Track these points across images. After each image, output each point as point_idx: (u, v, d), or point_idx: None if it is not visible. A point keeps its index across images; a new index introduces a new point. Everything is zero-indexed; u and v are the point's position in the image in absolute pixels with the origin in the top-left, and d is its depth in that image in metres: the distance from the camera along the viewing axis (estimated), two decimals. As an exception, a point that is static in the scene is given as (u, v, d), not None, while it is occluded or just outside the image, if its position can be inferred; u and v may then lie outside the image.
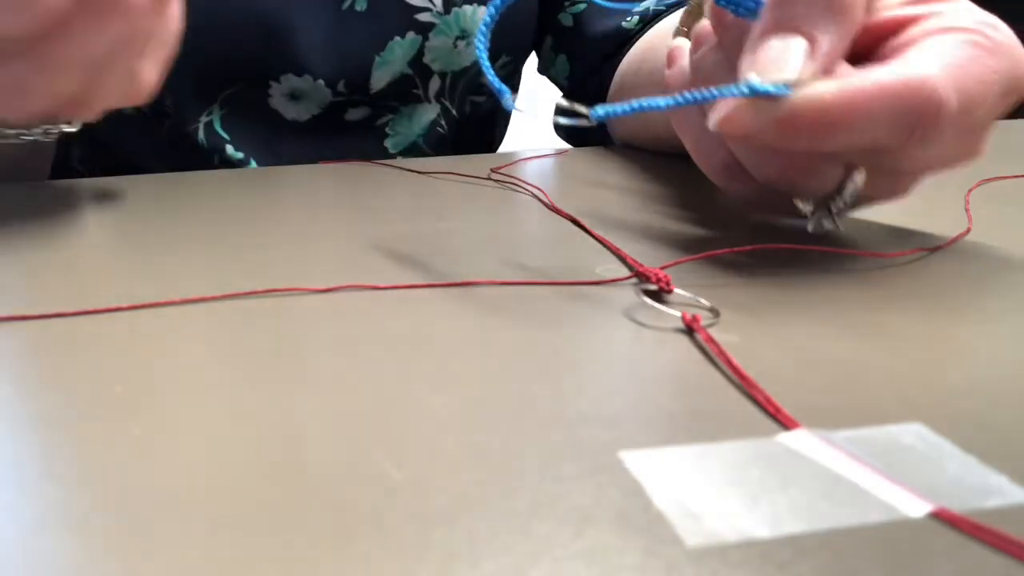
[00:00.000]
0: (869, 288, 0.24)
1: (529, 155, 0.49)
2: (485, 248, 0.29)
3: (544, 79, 0.64)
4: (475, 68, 0.54)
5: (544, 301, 0.23)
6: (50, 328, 0.21)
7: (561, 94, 0.62)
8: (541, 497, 0.13)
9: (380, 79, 0.51)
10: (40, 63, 0.27)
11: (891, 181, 0.27)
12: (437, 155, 0.56)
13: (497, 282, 0.25)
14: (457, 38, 0.52)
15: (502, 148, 0.64)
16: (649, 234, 0.31)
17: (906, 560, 0.12)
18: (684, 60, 0.31)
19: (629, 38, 0.54)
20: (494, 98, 0.60)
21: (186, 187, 0.40)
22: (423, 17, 0.51)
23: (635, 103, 0.23)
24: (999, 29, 0.25)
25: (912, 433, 0.15)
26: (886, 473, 0.14)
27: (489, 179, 0.42)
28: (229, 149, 0.50)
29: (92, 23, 0.26)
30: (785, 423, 0.16)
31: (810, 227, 0.28)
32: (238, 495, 0.14)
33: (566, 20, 0.58)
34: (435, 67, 0.53)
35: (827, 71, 0.24)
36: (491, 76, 0.26)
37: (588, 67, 0.57)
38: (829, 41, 0.24)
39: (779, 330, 0.21)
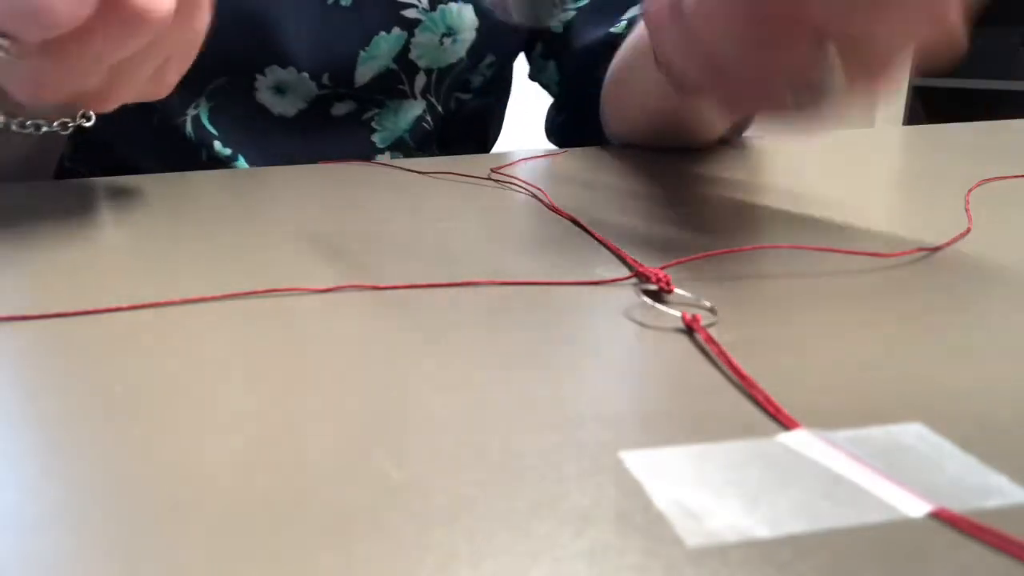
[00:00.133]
0: (869, 288, 0.24)
1: (529, 155, 0.49)
2: (485, 248, 0.29)
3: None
4: (461, 65, 0.54)
5: (544, 301, 0.23)
6: (50, 328, 0.21)
7: (552, 100, 0.62)
8: (541, 497, 0.13)
9: (365, 73, 0.52)
10: (62, 62, 0.27)
11: (862, 58, 0.27)
12: (422, 150, 0.56)
13: (497, 282, 0.25)
14: (443, 35, 0.52)
15: (499, 148, 0.64)
16: (649, 234, 0.31)
17: (906, 560, 0.12)
18: None
19: (619, 43, 0.54)
20: (480, 96, 0.60)
21: (186, 187, 0.40)
22: (409, 13, 0.51)
23: None
24: None
25: (912, 433, 0.15)
26: (886, 473, 0.14)
27: (489, 179, 0.42)
28: (217, 145, 0.50)
29: (115, 31, 0.26)
30: (785, 423, 0.16)
31: (791, 106, 0.28)
32: (238, 495, 0.14)
33: (556, 27, 0.58)
34: (421, 63, 0.53)
35: None
36: None
37: (578, 73, 0.57)
38: None
39: (779, 330, 0.21)
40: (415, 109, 0.55)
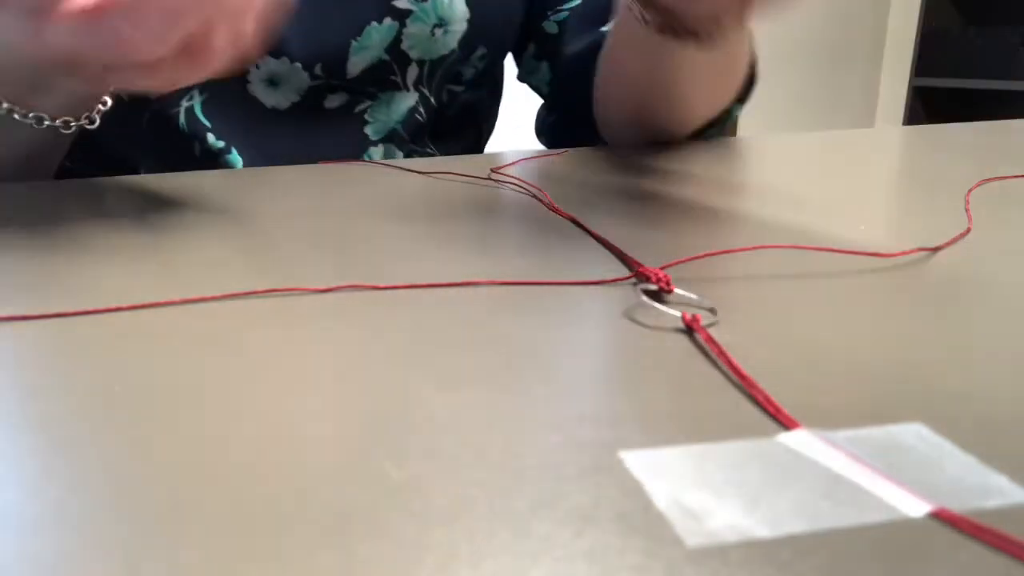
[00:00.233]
0: (869, 288, 0.24)
1: (529, 155, 0.49)
2: (485, 248, 0.29)
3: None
4: (453, 56, 0.54)
5: (544, 301, 0.23)
6: (50, 328, 0.21)
7: (543, 102, 0.62)
8: (541, 497, 0.13)
9: (357, 64, 0.52)
10: (123, 73, 0.30)
11: None
12: (415, 143, 0.56)
13: (497, 282, 0.25)
14: (435, 26, 0.53)
15: (496, 148, 0.65)
16: (649, 234, 0.31)
17: (906, 560, 0.12)
18: None
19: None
20: (473, 89, 0.61)
21: (186, 187, 0.40)
22: (400, 3, 0.52)
23: None
24: None
25: (912, 433, 0.15)
26: (886, 473, 0.14)
27: (489, 179, 0.42)
28: (210, 137, 0.50)
29: (184, 63, 0.30)
30: (785, 423, 0.16)
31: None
32: (238, 495, 0.14)
33: (551, 28, 0.59)
34: (413, 54, 0.53)
35: None
36: None
37: (570, 75, 0.57)
38: None
39: (779, 330, 0.21)
40: (408, 101, 0.55)
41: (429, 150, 0.58)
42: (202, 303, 0.23)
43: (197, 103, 0.50)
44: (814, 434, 0.15)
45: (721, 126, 0.56)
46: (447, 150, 0.59)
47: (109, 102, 0.41)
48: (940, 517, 0.13)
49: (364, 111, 0.54)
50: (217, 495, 0.14)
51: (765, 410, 0.16)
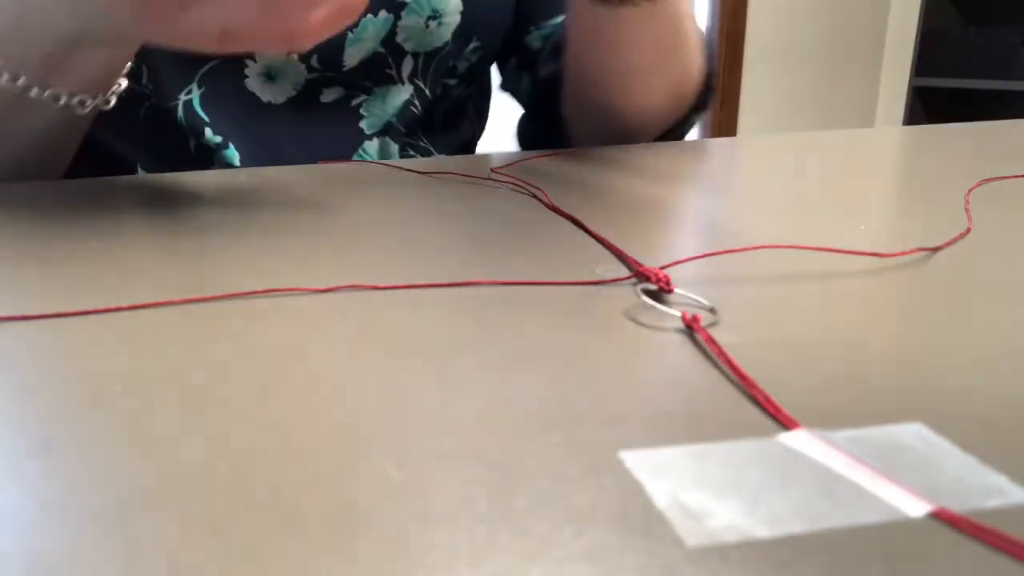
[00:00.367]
0: (869, 288, 0.24)
1: (529, 155, 0.49)
2: (485, 248, 0.29)
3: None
4: (446, 49, 0.55)
5: (544, 301, 0.23)
6: (50, 328, 0.21)
7: (523, 110, 0.64)
8: (541, 497, 0.13)
9: (353, 56, 0.52)
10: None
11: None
12: (410, 136, 0.56)
13: (497, 282, 0.25)
14: (429, 18, 0.53)
15: (493, 147, 0.65)
16: (649, 234, 0.31)
17: (906, 560, 0.12)
18: None
19: None
20: (466, 83, 0.62)
21: (186, 187, 0.40)
22: None
23: None
24: None
25: (912, 433, 0.15)
26: (886, 473, 0.14)
27: (489, 179, 0.42)
28: (208, 132, 0.51)
29: None
30: (785, 423, 0.16)
31: None
32: (238, 495, 0.14)
33: (534, 42, 0.60)
34: (408, 47, 0.54)
35: None
36: None
37: (548, 90, 0.59)
38: None
39: (779, 330, 0.21)
40: (403, 94, 0.55)
41: (423, 143, 0.58)
42: (202, 303, 0.23)
43: (195, 96, 0.51)
44: (814, 434, 0.15)
45: (681, 131, 0.59)
46: (441, 144, 0.60)
47: (123, 84, 0.41)
48: (940, 517, 0.13)
49: (359, 105, 0.55)
50: (217, 495, 0.14)
51: (765, 410, 0.16)
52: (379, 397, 0.17)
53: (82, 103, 0.39)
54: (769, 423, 0.16)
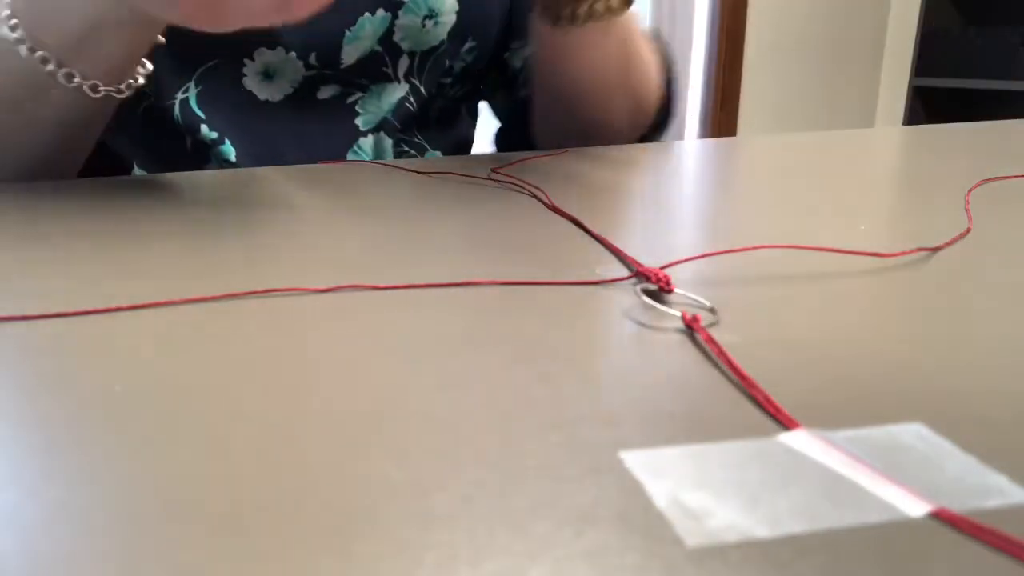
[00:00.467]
0: (869, 288, 0.24)
1: (529, 155, 0.49)
2: (485, 248, 0.29)
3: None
4: (442, 48, 0.56)
5: (544, 301, 0.23)
6: (50, 328, 0.21)
7: (499, 123, 0.66)
8: (541, 497, 0.13)
9: (350, 54, 0.53)
10: None
11: None
12: (405, 132, 0.57)
13: (497, 282, 0.25)
14: (425, 17, 0.54)
15: (487, 147, 0.67)
16: (649, 234, 0.31)
17: (906, 560, 0.12)
18: None
19: None
20: (461, 83, 0.63)
21: (186, 187, 0.40)
22: None
23: None
24: None
25: (912, 433, 0.15)
26: (886, 473, 0.14)
27: (489, 179, 0.42)
28: (204, 128, 0.51)
29: None
30: (785, 423, 0.16)
31: None
32: (238, 495, 0.14)
33: (515, 61, 0.62)
34: (404, 46, 0.54)
35: None
36: None
37: (525, 106, 0.61)
38: None
39: (779, 330, 0.21)
40: (398, 92, 0.56)
41: (417, 139, 0.58)
42: (202, 303, 0.23)
43: (192, 95, 0.51)
44: (814, 434, 0.15)
45: (661, 127, 0.62)
46: (435, 141, 0.60)
47: (141, 79, 0.42)
48: (940, 517, 0.13)
49: (355, 103, 0.55)
50: (217, 495, 0.14)
51: (765, 410, 0.16)
52: (379, 397, 0.17)
53: (95, 87, 0.39)
54: (769, 423, 0.16)
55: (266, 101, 0.53)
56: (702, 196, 0.38)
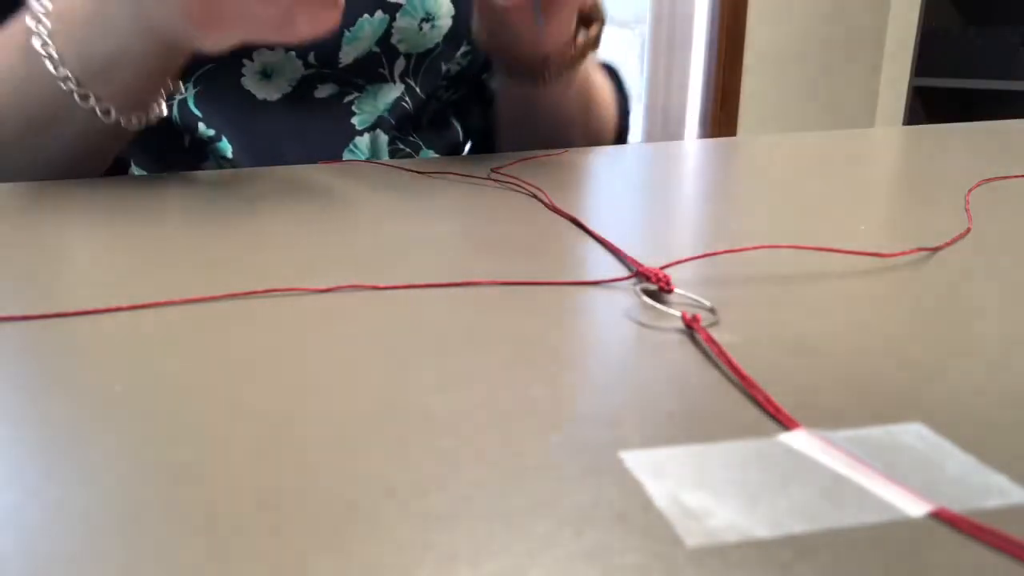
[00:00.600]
0: (869, 288, 0.24)
1: (529, 155, 0.49)
2: (485, 248, 0.29)
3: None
4: (438, 50, 0.56)
5: (544, 301, 0.23)
6: (50, 328, 0.21)
7: (470, 141, 0.68)
8: (541, 497, 0.13)
9: (349, 54, 0.53)
10: None
11: None
12: (401, 131, 0.57)
13: (497, 282, 0.25)
14: (422, 20, 0.55)
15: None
16: (649, 234, 0.31)
17: (906, 560, 0.12)
18: None
19: None
20: (456, 86, 0.64)
21: (185, 187, 0.40)
22: None
23: None
24: None
25: (912, 433, 0.15)
26: (886, 473, 0.14)
27: (489, 179, 0.42)
28: (201, 127, 0.51)
29: None
30: (785, 423, 0.16)
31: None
32: (238, 495, 0.14)
33: (493, 82, 0.63)
34: (401, 48, 0.55)
35: None
36: None
37: (488, 136, 0.64)
38: None
39: (779, 330, 0.21)
40: (394, 92, 0.57)
41: (412, 138, 0.59)
42: (202, 303, 0.23)
43: (190, 96, 0.51)
44: (814, 434, 0.15)
45: (623, 133, 0.65)
46: (430, 141, 0.61)
47: (161, 111, 0.43)
48: (940, 517, 0.13)
49: (352, 102, 0.56)
50: (217, 495, 0.14)
51: (765, 410, 0.16)
52: (379, 397, 0.17)
53: (107, 112, 0.40)
54: (769, 423, 0.16)
55: (264, 100, 0.53)
56: (702, 196, 0.38)
